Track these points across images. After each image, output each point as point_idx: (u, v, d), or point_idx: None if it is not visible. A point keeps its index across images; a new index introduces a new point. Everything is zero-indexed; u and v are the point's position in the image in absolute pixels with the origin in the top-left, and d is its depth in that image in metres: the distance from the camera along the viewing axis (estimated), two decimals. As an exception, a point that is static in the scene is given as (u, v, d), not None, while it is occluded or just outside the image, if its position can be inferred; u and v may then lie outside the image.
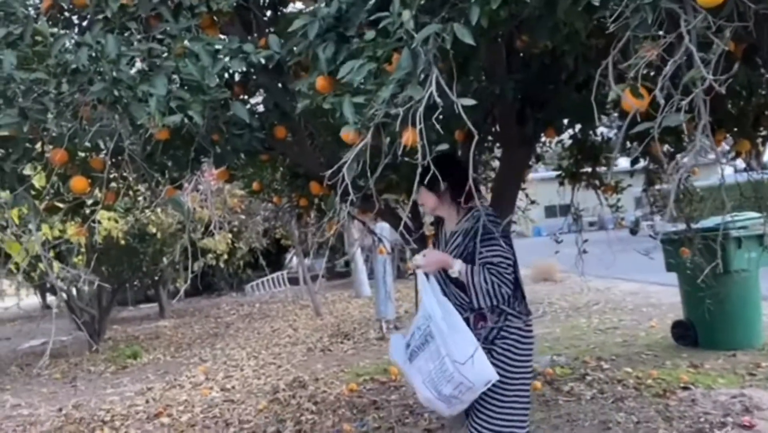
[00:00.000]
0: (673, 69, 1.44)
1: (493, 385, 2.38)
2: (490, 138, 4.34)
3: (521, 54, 3.39)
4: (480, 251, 2.40)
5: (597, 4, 1.58)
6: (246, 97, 3.05)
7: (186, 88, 2.24)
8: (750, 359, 5.30)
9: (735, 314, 5.66)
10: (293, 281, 14.95)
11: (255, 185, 4.37)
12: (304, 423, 4.73)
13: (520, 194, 5.06)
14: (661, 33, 1.50)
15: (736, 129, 3.78)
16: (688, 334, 5.98)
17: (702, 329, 5.83)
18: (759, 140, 4.07)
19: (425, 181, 2.42)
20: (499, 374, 2.38)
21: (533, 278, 13.05)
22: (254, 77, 2.87)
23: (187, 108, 2.18)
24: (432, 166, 1.88)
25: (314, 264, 14.77)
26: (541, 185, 10.82)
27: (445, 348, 2.33)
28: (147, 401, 6.09)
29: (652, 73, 1.83)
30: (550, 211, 24.62)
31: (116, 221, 7.30)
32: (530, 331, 2.54)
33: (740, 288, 5.62)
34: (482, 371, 2.32)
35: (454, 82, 1.88)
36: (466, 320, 2.43)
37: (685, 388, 4.60)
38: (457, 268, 2.41)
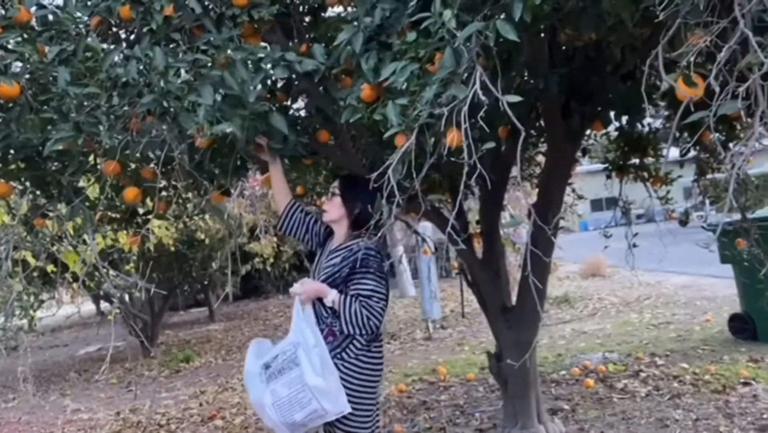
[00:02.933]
0: (728, 55, 1.39)
1: None
2: (534, 133, 4.28)
3: (564, 47, 3.33)
4: (354, 281, 2.55)
5: (645, -8, 1.54)
6: (289, 102, 3.09)
7: (227, 101, 2.28)
8: (813, 352, 5.10)
9: (796, 306, 5.44)
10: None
11: (299, 189, 4.41)
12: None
13: (568, 190, 4.99)
14: (713, 19, 1.45)
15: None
16: (747, 327, 5.78)
17: (761, 322, 5.63)
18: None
19: (343, 194, 2.72)
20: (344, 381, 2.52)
21: (582, 274, 12.83)
22: (296, 83, 2.90)
23: (229, 121, 2.22)
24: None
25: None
26: (586, 179, 10.64)
27: (311, 377, 2.46)
28: (200, 404, 6.21)
29: (701, 61, 1.77)
30: (596, 205, 24.15)
31: (167, 229, 7.47)
32: (375, 357, 2.61)
33: (801, 279, 5.40)
34: (340, 403, 2.48)
35: (497, 79, 1.86)
36: (321, 331, 2.57)
37: (746, 383, 4.45)
38: (332, 297, 2.54)
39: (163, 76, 2.11)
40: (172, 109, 2.16)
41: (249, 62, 2.30)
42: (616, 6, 1.78)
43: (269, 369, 2.58)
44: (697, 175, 4.92)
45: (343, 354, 2.56)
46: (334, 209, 2.75)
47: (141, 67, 2.14)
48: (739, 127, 3.63)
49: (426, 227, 7.92)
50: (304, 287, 2.62)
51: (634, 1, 1.68)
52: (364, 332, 2.53)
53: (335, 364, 2.53)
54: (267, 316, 13.19)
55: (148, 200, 3.09)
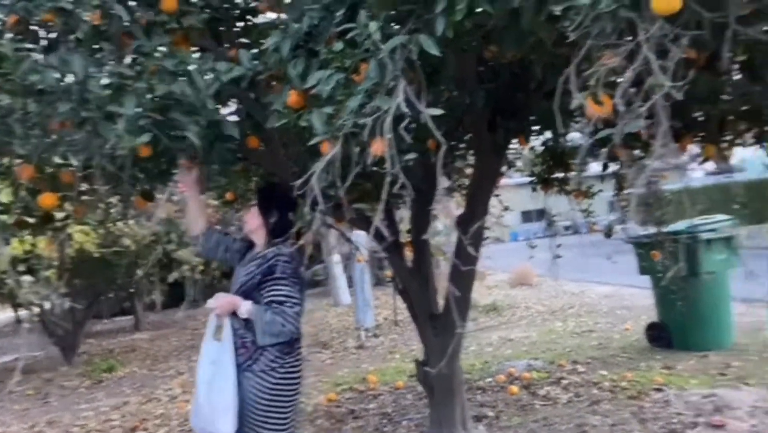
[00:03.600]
0: (632, 77, 1.47)
1: (250, 412, 2.54)
2: (462, 146, 4.38)
3: (491, 64, 3.43)
4: (267, 288, 2.55)
5: (558, 14, 1.61)
6: (219, 107, 3.05)
7: (180, 107, 2.24)
8: (721, 359, 5.40)
9: (706, 315, 5.76)
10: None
11: (228, 195, 4.36)
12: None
13: (495, 200, 5.13)
14: (620, 42, 1.53)
15: (702, 134, 3.87)
16: (662, 336, 6.07)
17: (675, 330, 5.93)
18: (725, 145, 4.17)
19: (260, 203, 2.77)
20: (248, 403, 2.53)
21: (510, 283, 13.15)
22: (226, 88, 2.87)
23: (184, 129, 2.20)
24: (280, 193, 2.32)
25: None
26: (516, 191, 10.96)
27: (203, 394, 2.52)
28: (123, 416, 6.00)
29: (618, 80, 1.87)
30: (526, 217, 24.84)
31: (88, 234, 7.20)
32: (290, 371, 2.62)
33: (711, 290, 5.72)
34: (219, 424, 2.49)
35: (422, 92, 1.90)
36: (235, 343, 2.57)
37: (659, 389, 4.67)
38: (245, 309, 2.54)
39: (82, 85, 2.05)
40: (92, 119, 2.10)
41: (201, 74, 2.28)
42: (534, 26, 1.85)
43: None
44: (616, 190, 5.15)
45: (254, 366, 2.54)
46: (251, 219, 2.77)
47: (58, 75, 2.07)
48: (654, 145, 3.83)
49: (361, 236, 7.94)
50: (218, 301, 2.61)
51: (551, 21, 1.76)
52: (280, 339, 2.52)
53: (247, 377, 2.52)
54: (196, 325, 12.87)
55: (67, 204, 2.98)
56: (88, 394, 7.39)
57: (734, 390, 4.46)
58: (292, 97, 2.18)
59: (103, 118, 2.09)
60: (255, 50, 2.78)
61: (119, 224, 7.27)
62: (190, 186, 2.85)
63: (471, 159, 4.99)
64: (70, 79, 2.10)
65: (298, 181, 1.94)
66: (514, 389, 5.05)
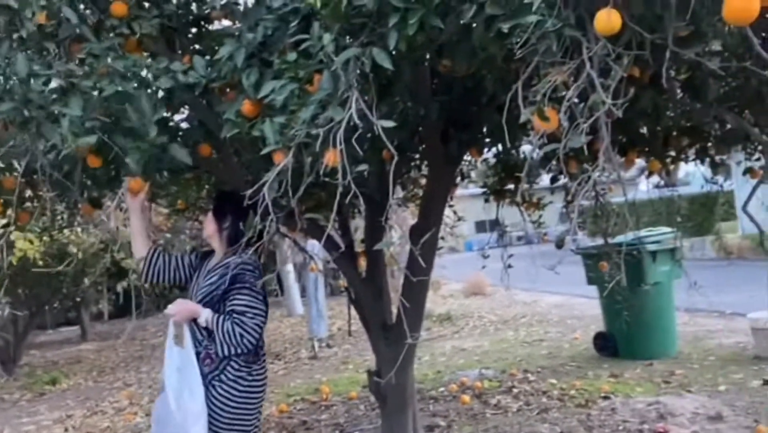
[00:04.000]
0: (576, 94, 1.52)
1: (213, 421, 2.49)
2: (417, 157, 4.42)
3: (445, 77, 3.48)
4: (229, 298, 2.53)
5: (506, 31, 1.65)
6: (170, 114, 3.00)
7: (123, 133, 2.20)
8: (665, 367, 5.57)
9: (651, 324, 5.94)
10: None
11: (180, 203, 4.29)
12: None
13: (450, 211, 5.19)
14: (565, 59, 1.58)
15: (647, 149, 4.00)
16: (609, 345, 6.22)
17: (621, 339, 6.09)
18: (669, 160, 4.32)
19: (214, 209, 2.79)
20: (218, 412, 2.50)
21: (464, 292, 13.29)
22: (178, 94, 2.83)
23: (126, 154, 2.16)
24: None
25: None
26: (470, 201, 11.09)
27: (172, 402, 2.49)
28: (66, 430, 5.82)
29: (564, 95, 1.92)
30: (481, 227, 25.12)
31: (31, 242, 6.97)
32: (256, 381, 2.60)
33: (655, 300, 5.91)
34: (198, 431, 2.46)
35: (375, 103, 1.92)
36: (197, 354, 2.54)
37: (606, 397, 4.79)
38: (204, 317, 2.51)
39: (25, 84, 2.00)
40: (35, 119, 2.04)
41: (150, 96, 2.23)
42: (484, 42, 1.89)
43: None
44: (565, 202, 5.27)
45: (222, 376, 2.51)
46: (208, 225, 2.77)
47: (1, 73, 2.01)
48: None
49: (314, 245, 7.90)
50: (177, 307, 2.58)
51: (501, 38, 1.80)
52: (239, 350, 2.48)
53: (213, 386, 2.49)
54: (145, 335, 12.59)
55: (9, 211, 2.89)
56: (29, 407, 7.14)
57: (677, 397, 4.60)
58: (246, 107, 2.17)
59: (47, 119, 2.03)
60: (208, 58, 2.76)
61: (65, 231, 7.07)
62: (135, 209, 2.78)
63: (425, 170, 5.04)
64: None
65: (250, 191, 1.93)
66: (466, 398, 5.09)
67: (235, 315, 2.48)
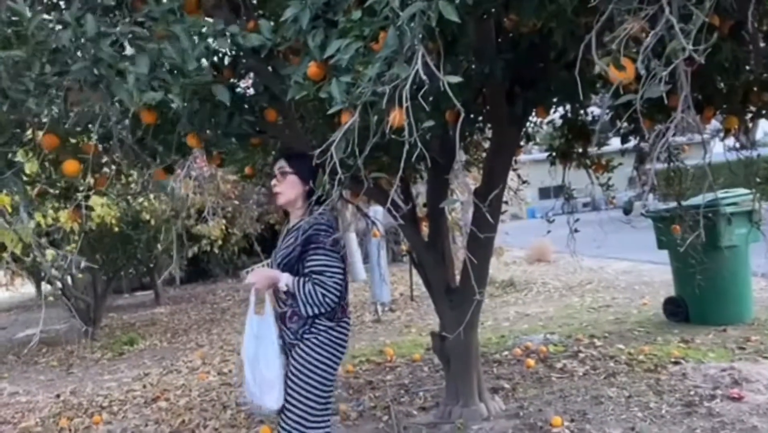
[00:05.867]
0: (654, 41, 1.46)
1: (294, 377, 2.53)
2: (480, 119, 4.35)
3: (510, 33, 3.39)
4: (306, 259, 2.52)
5: (579, -22, 1.59)
6: (236, 80, 3.05)
7: (168, 70, 2.23)
8: (740, 333, 5.38)
9: (725, 289, 5.72)
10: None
11: (247, 170, 4.38)
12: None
13: (514, 176, 5.10)
14: (642, 6, 1.51)
15: (725, 106, 3.80)
16: (680, 310, 6.05)
17: (693, 305, 5.90)
18: (748, 117, 4.10)
19: (299, 171, 2.63)
20: (301, 367, 2.52)
21: (528, 259, 13.13)
22: (243, 60, 2.87)
23: (168, 91, 2.18)
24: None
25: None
26: (534, 167, 10.87)
27: (251, 370, 2.54)
28: (144, 387, 6.13)
29: (636, 49, 1.84)
30: (544, 193, 24.62)
31: (109, 207, 7.29)
32: (342, 334, 2.61)
33: (730, 264, 5.68)
34: (269, 399, 2.54)
35: (441, 60, 1.89)
36: (283, 314, 2.58)
37: (676, 363, 4.67)
38: (284, 282, 2.51)
39: (95, 44, 2.05)
40: (105, 78, 2.11)
41: (185, 35, 2.25)
42: (555, -8, 1.83)
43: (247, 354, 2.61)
44: (637, 164, 5.10)
45: (311, 330, 2.53)
46: (289, 189, 2.66)
47: (71, 34, 2.06)
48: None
49: (377, 211, 7.96)
50: (257, 276, 2.58)
51: (573, -13, 1.74)
52: (323, 309, 2.49)
53: (303, 341, 2.52)
54: (215, 300, 13.05)
55: (88, 177, 3.02)
56: (110, 366, 7.55)
57: (753, 364, 4.44)
58: (312, 69, 2.17)
59: (116, 78, 2.09)
60: (272, 23, 2.77)
61: (139, 198, 7.35)
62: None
63: (489, 133, 4.96)
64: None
65: (318, 151, 1.95)
66: (531, 362, 5.07)
67: (314, 276, 2.49)
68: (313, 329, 2.53)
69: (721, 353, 4.85)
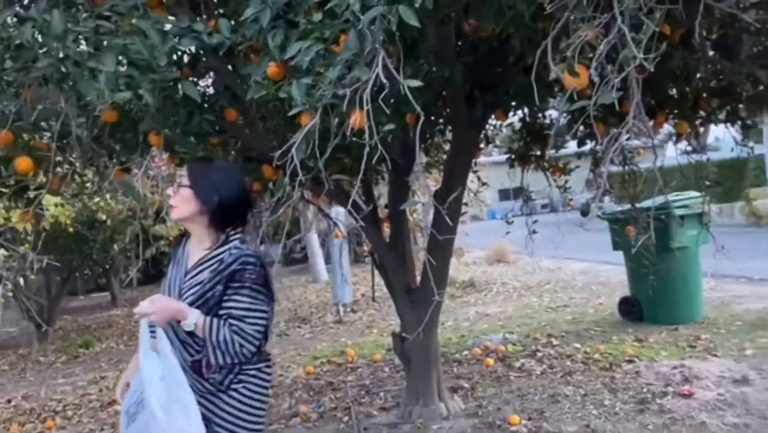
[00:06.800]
0: (607, 49, 1.50)
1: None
2: (441, 121, 4.40)
3: (470, 37, 3.44)
4: (226, 299, 2.03)
5: (536, -14, 1.63)
6: (195, 79, 3.02)
7: (135, 66, 2.21)
8: (691, 332, 5.55)
9: (677, 290, 5.90)
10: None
11: (206, 169, 4.33)
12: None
13: (474, 178, 5.16)
14: (596, 15, 1.56)
15: (676, 111, 3.92)
16: (634, 310, 6.21)
17: (646, 304, 6.07)
18: (698, 122, 4.24)
19: (195, 183, 2.08)
20: (232, 424, 2.07)
21: (488, 260, 13.29)
22: (204, 59, 2.85)
23: (137, 87, 2.15)
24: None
25: (270, 250, 14.69)
26: (494, 169, 10.99)
27: (159, 418, 1.92)
28: (100, 390, 6.00)
29: (592, 55, 1.90)
30: (504, 195, 24.92)
31: (63, 207, 7.11)
32: (270, 373, 2.18)
33: (682, 265, 5.86)
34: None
35: (401, 64, 1.91)
36: (197, 362, 2.05)
37: (630, 361, 4.79)
38: (192, 321, 1.98)
39: (61, 41, 2.02)
40: (71, 76, 2.07)
41: (155, 31, 2.23)
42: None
43: (128, 412, 2.08)
44: (593, 167, 5.21)
45: (239, 384, 2.07)
46: (183, 204, 2.09)
47: (37, 30, 2.03)
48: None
49: (339, 211, 7.96)
50: (157, 305, 1.98)
51: (529, -6, 1.78)
52: (236, 360, 2.03)
53: (230, 394, 2.06)
54: (174, 301, 12.83)
55: (41, 175, 2.95)
56: (64, 369, 7.38)
57: (703, 361, 4.59)
58: (272, 69, 2.17)
59: (83, 76, 2.05)
60: (232, 22, 2.76)
61: (95, 198, 7.20)
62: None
63: (450, 135, 5.02)
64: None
65: (277, 153, 1.95)
66: (490, 361, 5.14)
67: (232, 321, 2.01)
68: (241, 377, 2.07)
69: (672, 352, 5.00)
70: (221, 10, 3.08)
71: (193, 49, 2.66)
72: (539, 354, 5.31)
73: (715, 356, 4.76)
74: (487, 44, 3.28)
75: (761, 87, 3.58)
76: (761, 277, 7.60)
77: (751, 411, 3.61)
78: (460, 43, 3.42)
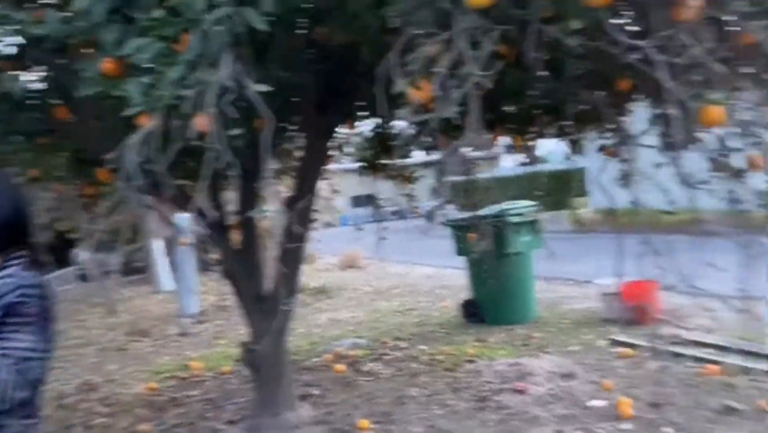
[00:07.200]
0: (447, 65, 1.57)
1: None
2: (292, 128, 4.37)
3: (323, 46, 3.45)
4: (3, 334, 1.67)
5: (383, -1, 1.66)
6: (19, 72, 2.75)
7: None
8: (525, 331, 5.97)
9: (513, 292, 6.33)
10: (84, 278, 13.74)
11: (33, 172, 3.96)
12: (95, 427, 4.41)
13: (325, 184, 5.18)
14: (438, 31, 1.62)
15: (512, 127, 4.21)
16: (475, 312, 6.56)
17: (486, 306, 6.44)
18: (531, 137, 4.57)
19: None
20: None
21: (340, 266, 13.40)
22: (29, 51, 2.60)
23: None
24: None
25: (107, 259, 13.71)
26: (347, 176, 11.14)
27: None
28: None
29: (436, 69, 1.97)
30: (357, 202, 25.35)
31: None
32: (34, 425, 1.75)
33: (517, 269, 6.29)
34: None
35: (250, 68, 1.87)
36: None
37: (471, 361, 5.05)
38: None
39: None
40: None
41: None
42: (360, 10, 1.90)
43: None
44: (437, 176, 5.44)
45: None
46: None
47: None
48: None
49: (184, 218, 7.63)
50: None
51: (375, 6, 1.81)
52: (7, 406, 1.66)
53: None
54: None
55: None
56: None
57: (535, 358, 4.94)
58: (107, 65, 2.02)
59: None
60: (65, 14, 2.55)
61: None
62: None
63: (301, 142, 5.00)
64: None
65: (111, 154, 1.82)
66: (340, 367, 5.17)
67: (12, 361, 1.66)
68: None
69: (509, 351, 5.34)
70: (48, 0, 2.84)
71: (15, 39, 2.42)
72: (387, 357, 5.44)
73: (546, 352, 5.16)
74: (338, 53, 3.31)
75: (585, 106, 3.94)
76: (586, 279, 8.36)
77: (577, 403, 3.95)
78: (311, 50, 3.42)
